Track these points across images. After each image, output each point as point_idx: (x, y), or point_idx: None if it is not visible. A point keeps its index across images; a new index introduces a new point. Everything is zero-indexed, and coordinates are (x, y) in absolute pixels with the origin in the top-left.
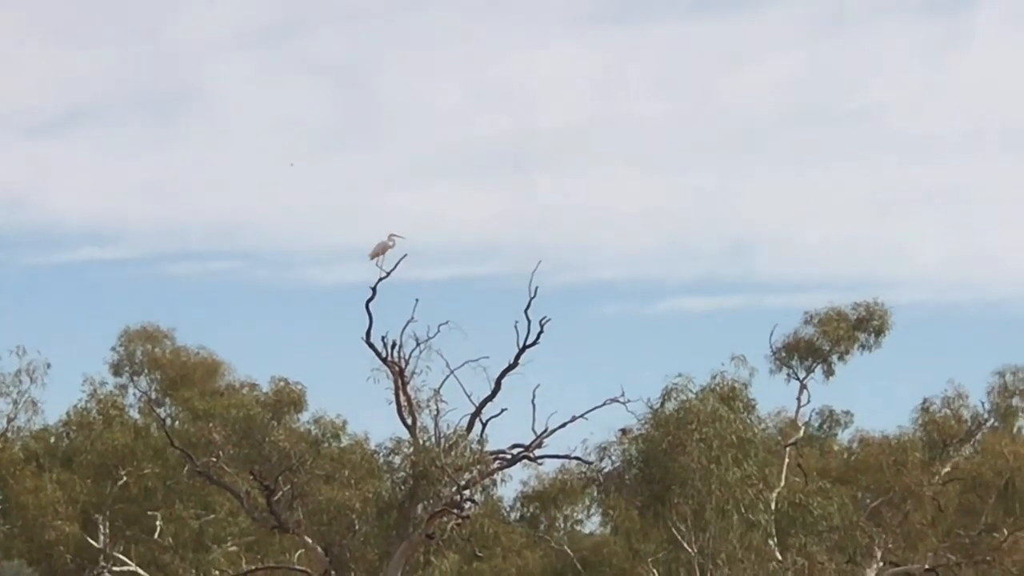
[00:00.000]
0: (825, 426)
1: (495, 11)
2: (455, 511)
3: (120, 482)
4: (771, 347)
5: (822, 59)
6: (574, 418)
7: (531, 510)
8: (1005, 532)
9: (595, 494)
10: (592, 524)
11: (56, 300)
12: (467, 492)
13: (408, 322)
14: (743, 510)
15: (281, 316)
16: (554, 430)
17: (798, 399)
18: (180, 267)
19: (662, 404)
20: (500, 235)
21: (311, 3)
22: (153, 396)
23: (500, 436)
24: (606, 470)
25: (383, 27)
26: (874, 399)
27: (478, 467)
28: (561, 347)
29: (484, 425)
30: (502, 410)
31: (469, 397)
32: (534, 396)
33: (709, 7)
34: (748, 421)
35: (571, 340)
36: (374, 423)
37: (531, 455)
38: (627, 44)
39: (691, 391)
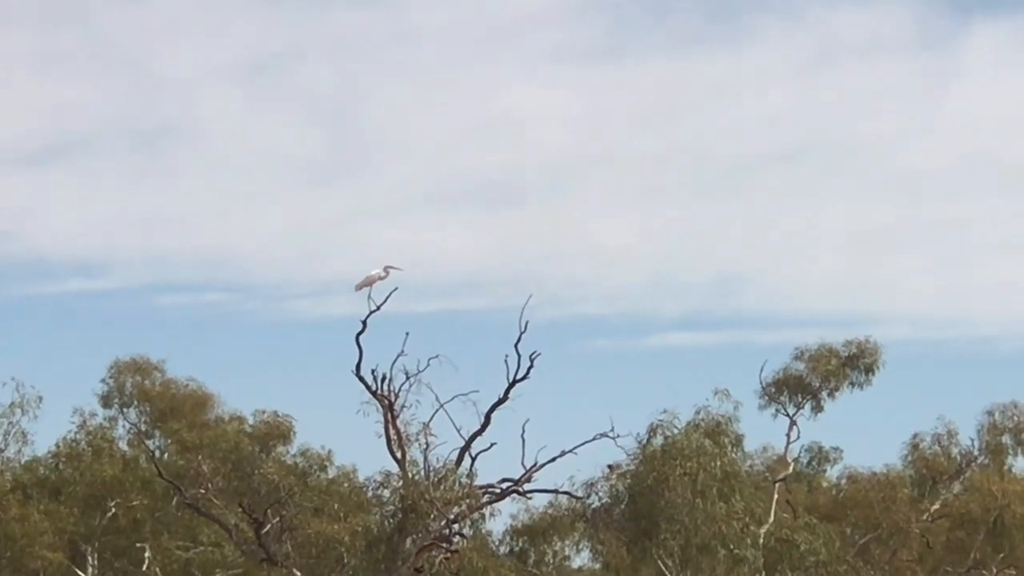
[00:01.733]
0: (814, 462)
1: (485, 46)
2: (444, 545)
3: (109, 514)
4: (761, 383)
5: (811, 94)
6: (564, 453)
7: (520, 544)
8: (994, 569)
9: (584, 529)
10: (581, 559)
11: (44, 331)
12: (456, 526)
13: (398, 356)
14: (730, 546)
15: (270, 348)
16: (543, 464)
17: (787, 435)
18: (169, 299)
19: (648, 440)
20: (488, 269)
21: (301, 36)
22: (142, 428)
23: (489, 470)
24: (594, 506)
25: (373, 60)
26: (863, 436)
27: (467, 501)
28: (550, 381)
29: (473, 459)
30: (491, 444)
31: (459, 431)
32: (523, 430)
33: (698, 42)
34: (733, 456)
35: (560, 374)
36: (363, 456)
37: (520, 489)
38: (616, 79)
39: (675, 427)
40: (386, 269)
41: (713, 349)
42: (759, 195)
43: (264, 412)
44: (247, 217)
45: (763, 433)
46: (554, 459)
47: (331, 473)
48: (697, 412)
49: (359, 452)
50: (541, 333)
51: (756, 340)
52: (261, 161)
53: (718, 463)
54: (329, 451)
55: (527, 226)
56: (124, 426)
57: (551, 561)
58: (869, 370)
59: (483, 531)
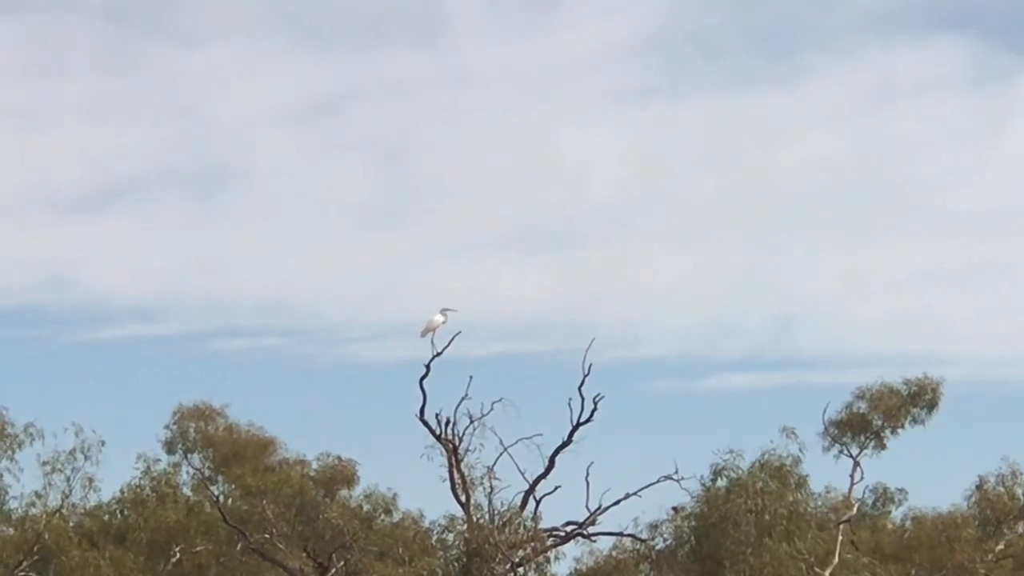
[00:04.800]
0: (878, 503)
1: (540, 87)
2: None
3: (174, 559)
4: (824, 423)
5: (867, 134)
6: (628, 495)
7: None
8: None
9: (648, 571)
10: None
11: (102, 377)
12: (521, 569)
13: (462, 399)
14: None
15: (331, 392)
16: (608, 507)
17: (851, 476)
18: (227, 344)
19: (713, 481)
20: (546, 311)
21: (355, 79)
22: (206, 473)
23: (554, 513)
24: (658, 547)
25: (428, 103)
26: (927, 475)
27: (532, 544)
28: (612, 424)
29: (538, 502)
30: (556, 487)
31: (523, 474)
32: (588, 473)
33: (753, 83)
34: (798, 496)
35: (621, 416)
36: (428, 500)
37: (585, 532)
38: (671, 120)
39: (739, 468)
40: (443, 312)
41: (772, 390)
42: (815, 236)
43: (329, 456)
44: (303, 261)
45: (826, 474)
46: (618, 502)
47: (396, 517)
48: (763, 454)
49: (424, 496)
50: (600, 375)
51: (814, 381)
52: (317, 204)
53: (783, 503)
54: (395, 494)
55: (584, 268)
56: (188, 471)
57: None
58: (932, 406)
59: (548, 574)
